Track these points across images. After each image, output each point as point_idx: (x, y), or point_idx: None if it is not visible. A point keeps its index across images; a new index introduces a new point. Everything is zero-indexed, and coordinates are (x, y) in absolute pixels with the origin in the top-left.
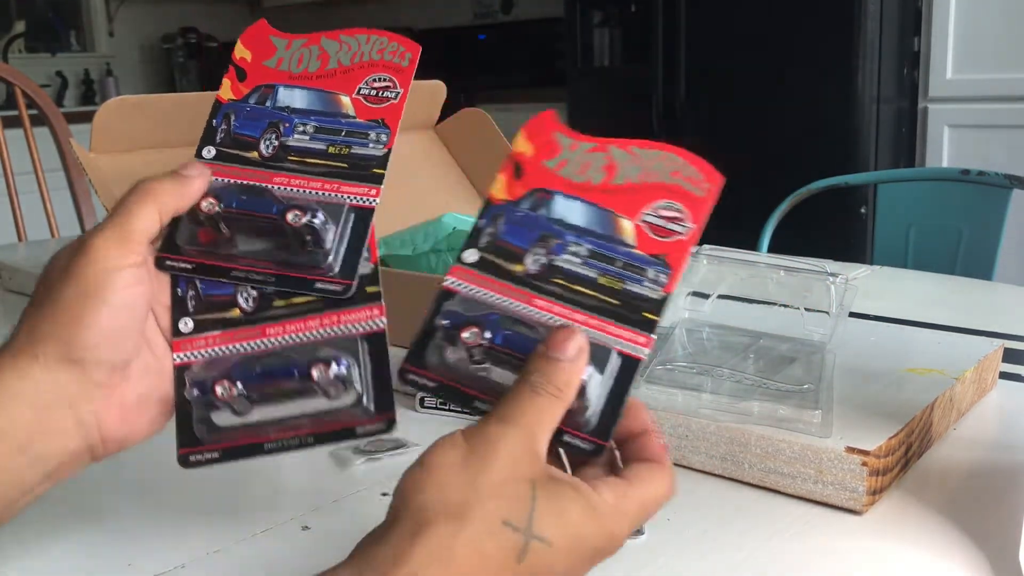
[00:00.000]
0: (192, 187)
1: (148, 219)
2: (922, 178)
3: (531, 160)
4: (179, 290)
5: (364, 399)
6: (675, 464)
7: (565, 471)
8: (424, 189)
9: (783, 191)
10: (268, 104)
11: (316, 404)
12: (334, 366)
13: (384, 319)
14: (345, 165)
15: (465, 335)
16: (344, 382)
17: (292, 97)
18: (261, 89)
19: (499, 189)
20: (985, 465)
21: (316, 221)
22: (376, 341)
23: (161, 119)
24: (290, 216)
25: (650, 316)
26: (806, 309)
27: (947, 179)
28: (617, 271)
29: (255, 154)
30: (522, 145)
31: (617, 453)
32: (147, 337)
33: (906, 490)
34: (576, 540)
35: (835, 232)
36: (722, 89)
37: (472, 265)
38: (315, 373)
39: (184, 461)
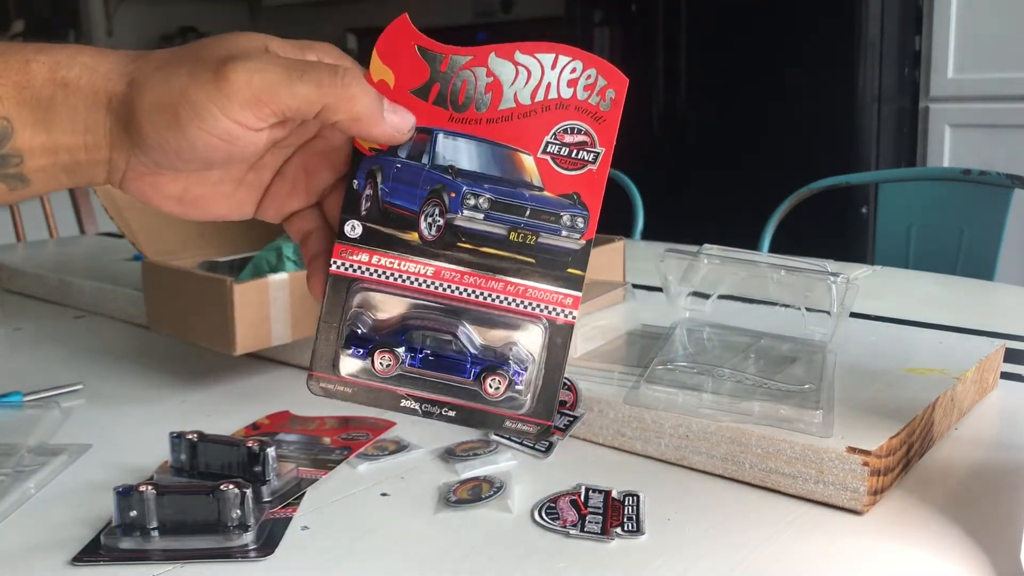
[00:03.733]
0: (372, 131)
1: (300, 102)
2: (923, 178)
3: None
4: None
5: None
6: (675, 464)
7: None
8: None
9: (783, 191)
10: (425, 159)
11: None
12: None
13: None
14: (532, 260)
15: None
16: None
17: (456, 150)
18: (414, 135)
19: None
20: (986, 465)
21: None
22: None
23: None
24: (489, 385)
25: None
26: (807, 309)
27: (948, 179)
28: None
29: (414, 236)
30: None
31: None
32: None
33: (907, 490)
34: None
35: (836, 232)
36: (722, 89)
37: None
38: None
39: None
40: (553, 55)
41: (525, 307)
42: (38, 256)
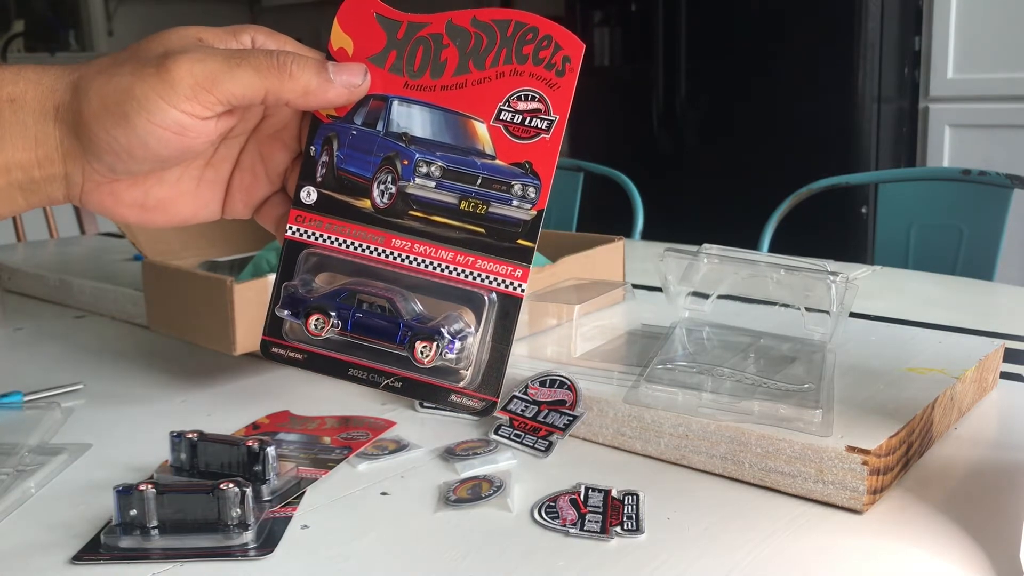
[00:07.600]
0: (326, 96)
1: (244, 88)
2: (923, 178)
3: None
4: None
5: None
6: (675, 463)
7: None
8: None
9: (783, 191)
10: (380, 126)
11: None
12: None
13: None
14: (482, 230)
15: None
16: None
17: (410, 117)
18: (370, 102)
19: None
20: (986, 465)
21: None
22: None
23: None
24: (419, 351)
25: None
26: (807, 309)
27: (948, 179)
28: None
29: (367, 203)
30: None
31: None
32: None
33: (907, 489)
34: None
35: (835, 232)
36: (722, 89)
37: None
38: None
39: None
40: (510, 21)
41: (474, 279)
42: (38, 256)
